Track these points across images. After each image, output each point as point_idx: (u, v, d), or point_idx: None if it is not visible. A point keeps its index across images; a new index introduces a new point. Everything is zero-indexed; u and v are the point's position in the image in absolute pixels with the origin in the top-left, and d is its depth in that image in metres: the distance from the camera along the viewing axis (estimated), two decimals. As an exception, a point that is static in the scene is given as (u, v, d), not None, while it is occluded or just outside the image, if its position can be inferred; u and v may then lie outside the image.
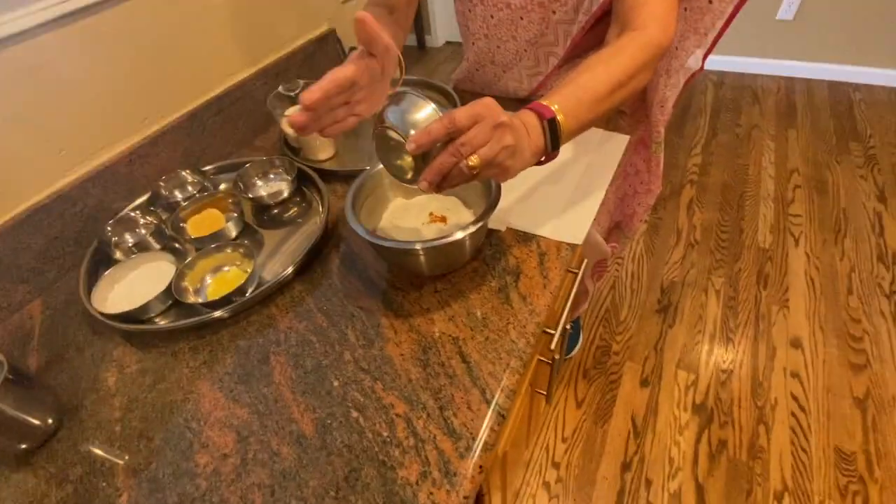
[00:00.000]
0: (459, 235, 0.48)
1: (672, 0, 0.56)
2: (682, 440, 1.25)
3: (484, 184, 0.57)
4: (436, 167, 0.42)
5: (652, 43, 0.53)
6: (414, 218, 0.60)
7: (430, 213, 0.60)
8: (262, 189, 0.73)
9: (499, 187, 0.52)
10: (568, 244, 0.58)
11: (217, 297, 0.53)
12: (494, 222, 0.62)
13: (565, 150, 0.63)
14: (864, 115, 2.13)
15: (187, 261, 0.58)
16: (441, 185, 0.43)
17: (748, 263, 1.63)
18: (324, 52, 0.96)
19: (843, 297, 1.49)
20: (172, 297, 0.56)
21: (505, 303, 0.53)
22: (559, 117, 0.47)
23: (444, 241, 0.48)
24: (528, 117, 0.47)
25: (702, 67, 0.72)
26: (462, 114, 0.41)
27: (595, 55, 0.54)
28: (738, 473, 1.17)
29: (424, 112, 0.43)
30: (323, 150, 0.78)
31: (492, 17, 0.73)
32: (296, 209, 0.71)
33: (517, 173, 0.45)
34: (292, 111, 0.78)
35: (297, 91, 0.80)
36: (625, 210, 1.06)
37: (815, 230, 1.69)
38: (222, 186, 0.76)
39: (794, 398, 1.29)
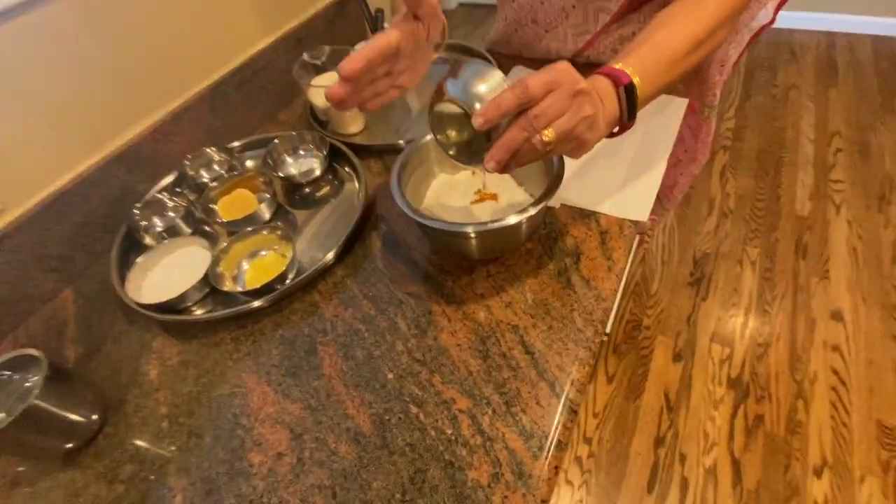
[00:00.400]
0: (514, 220, 0.43)
1: None
2: (717, 415, 1.23)
3: None
4: (505, 143, 0.37)
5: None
6: (461, 196, 0.56)
7: (479, 191, 0.55)
8: (293, 167, 0.69)
9: (562, 162, 0.47)
10: (631, 221, 0.54)
11: (258, 286, 0.50)
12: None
13: None
14: (913, 70, 1.99)
15: (222, 246, 0.55)
16: (510, 164, 0.38)
17: (786, 233, 1.56)
18: (346, 16, 0.90)
19: (888, 266, 1.42)
20: (210, 285, 0.53)
21: (566, 287, 0.49)
22: (635, 80, 0.42)
23: (500, 224, 0.43)
24: (600, 83, 0.42)
25: (773, 20, 0.65)
26: (536, 81, 0.36)
27: (668, 9, 0.47)
28: (775, 448, 1.15)
29: (491, 82, 0.38)
30: (353, 123, 0.73)
31: None
32: (328, 187, 0.67)
33: (592, 148, 0.40)
34: (320, 80, 0.73)
35: (322, 58, 0.74)
36: (665, 180, 1.00)
37: (859, 196, 1.61)
38: (250, 164, 0.72)
39: (835, 372, 1.25)
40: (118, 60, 0.61)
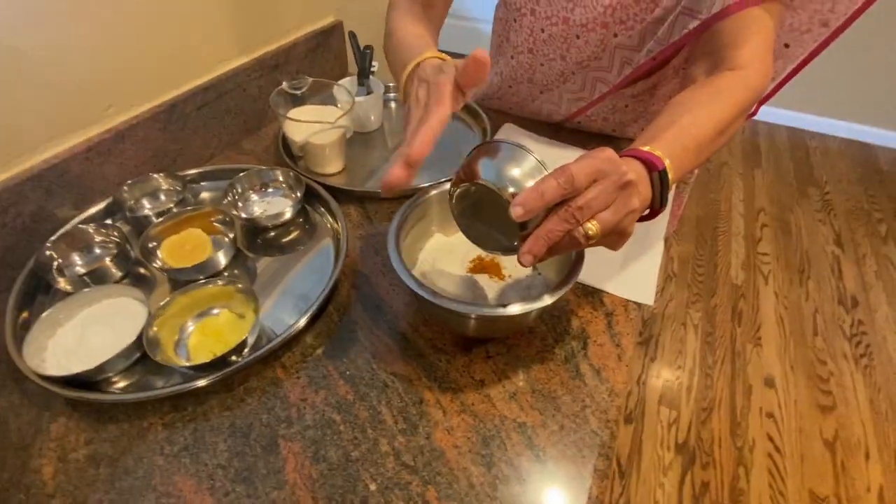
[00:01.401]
0: (526, 309, 0.38)
1: (772, 40, 0.50)
2: (666, 482, 1.22)
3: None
4: (544, 235, 0.33)
5: (752, 86, 0.47)
6: (459, 260, 0.50)
7: (479, 257, 0.50)
8: (259, 206, 0.60)
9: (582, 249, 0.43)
10: (636, 304, 0.50)
11: (207, 359, 0.40)
12: (547, 271, 0.53)
13: None
14: (819, 161, 2.27)
15: (163, 303, 0.44)
16: (545, 256, 0.34)
17: (723, 299, 1.66)
18: (328, 46, 0.84)
19: (810, 337, 1.55)
20: (140, 350, 0.42)
21: (576, 377, 0.44)
22: (667, 165, 0.39)
23: (515, 311, 0.38)
24: (635, 167, 0.38)
25: (755, 112, 0.68)
26: (581, 169, 0.33)
27: (690, 93, 0.46)
28: (721, 518, 1.16)
29: (526, 166, 0.34)
30: (331, 163, 0.66)
31: (542, 30, 0.65)
32: (298, 233, 0.59)
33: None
34: (301, 113, 0.65)
35: (303, 89, 0.67)
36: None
37: (783, 269, 1.76)
38: (205, 196, 0.61)
39: (770, 439, 1.30)
40: (55, 58, 0.50)
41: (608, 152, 0.34)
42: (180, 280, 0.49)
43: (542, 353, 0.46)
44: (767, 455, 1.27)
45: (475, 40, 2.89)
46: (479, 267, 0.49)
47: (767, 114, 2.50)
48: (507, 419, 0.41)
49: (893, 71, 2.15)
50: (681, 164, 0.41)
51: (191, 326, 0.46)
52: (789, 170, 2.23)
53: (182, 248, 0.51)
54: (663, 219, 0.61)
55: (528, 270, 0.49)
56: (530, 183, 0.35)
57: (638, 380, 1.43)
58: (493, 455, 0.38)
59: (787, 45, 0.58)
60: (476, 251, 0.51)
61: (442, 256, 0.50)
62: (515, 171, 0.35)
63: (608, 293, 0.51)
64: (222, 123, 0.69)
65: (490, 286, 0.47)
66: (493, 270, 0.48)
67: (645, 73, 0.63)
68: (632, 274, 0.53)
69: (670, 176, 0.39)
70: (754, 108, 0.66)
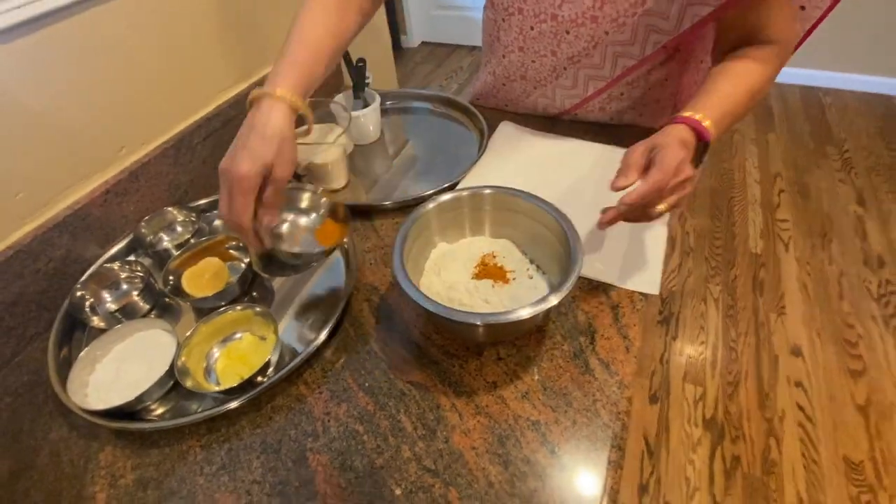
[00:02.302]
0: (532, 312, 0.40)
1: (793, 9, 0.56)
2: (696, 458, 1.22)
3: (542, 224, 0.49)
4: (623, 213, 0.44)
5: (782, 58, 0.55)
6: (462, 267, 0.51)
7: (482, 261, 0.51)
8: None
9: (579, 242, 0.44)
10: (642, 295, 0.51)
11: (235, 383, 0.43)
12: (551, 268, 0.54)
13: (609, 177, 0.58)
14: (836, 119, 2.20)
15: (188, 333, 0.47)
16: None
17: (743, 270, 1.64)
18: (323, 61, 0.85)
19: (836, 301, 1.51)
20: (173, 379, 0.45)
21: (585, 372, 0.45)
22: (712, 135, 0.48)
23: (517, 316, 0.39)
24: (687, 134, 0.47)
25: None
26: (648, 189, 0.42)
27: (730, 65, 0.53)
28: (754, 490, 1.16)
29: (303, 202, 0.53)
30: (336, 178, 0.68)
31: (532, 28, 0.65)
32: (309, 252, 0.61)
33: None
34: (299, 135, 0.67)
35: (301, 110, 0.69)
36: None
37: (803, 235, 1.72)
38: (218, 223, 0.64)
39: (801, 408, 1.29)
40: (67, 108, 0.53)
41: (667, 167, 0.43)
42: (203, 308, 0.51)
43: (552, 351, 0.47)
44: (798, 424, 1.26)
45: (466, 29, 2.87)
46: (483, 273, 0.50)
47: (780, 74, 2.42)
48: (521, 418, 0.42)
49: (909, 16, 2.05)
50: (720, 129, 0.49)
51: (216, 352, 0.48)
52: (805, 130, 2.16)
53: (202, 277, 0.54)
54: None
55: (532, 273, 0.50)
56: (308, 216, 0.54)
57: (661, 358, 1.43)
58: (510, 454, 0.40)
59: (802, 7, 0.57)
60: (478, 252, 0.53)
61: (447, 264, 0.51)
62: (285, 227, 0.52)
63: (613, 286, 0.52)
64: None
65: (496, 290, 0.48)
66: (498, 275, 0.50)
67: (649, 61, 0.63)
68: (636, 264, 0.54)
69: (712, 142, 0.48)
70: None
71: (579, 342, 0.48)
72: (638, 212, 0.44)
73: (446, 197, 0.51)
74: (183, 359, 0.46)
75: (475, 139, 0.76)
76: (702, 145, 0.48)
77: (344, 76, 0.87)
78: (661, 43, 0.59)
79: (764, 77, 0.53)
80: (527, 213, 0.50)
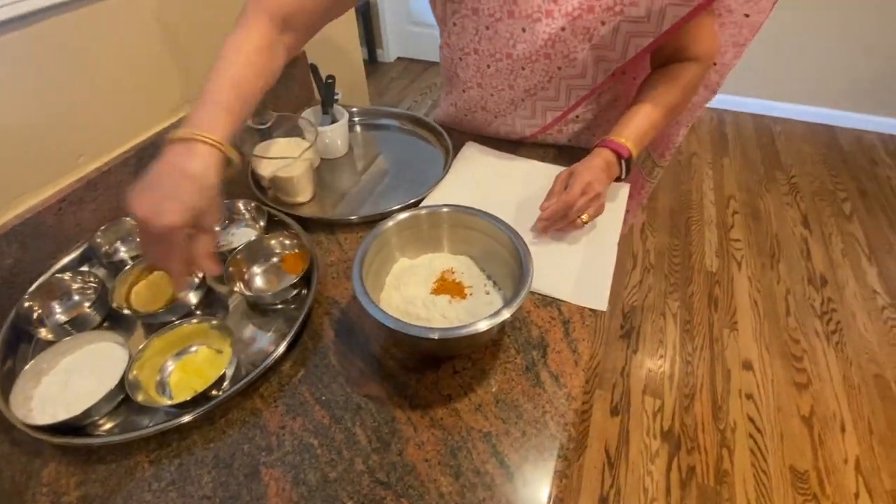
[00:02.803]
0: (486, 326, 0.41)
1: (714, 27, 0.63)
2: (654, 469, 1.26)
3: (497, 242, 0.52)
4: (552, 226, 0.60)
5: (701, 74, 0.65)
6: (422, 282, 0.53)
7: (441, 277, 0.53)
8: (223, 239, 0.62)
9: (529, 256, 0.47)
10: (591, 310, 0.54)
11: (189, 396, 0.43)
12: (508, 284, 0.56)
13: None
14: (784, 147, 2.35)
15: (141, 346, 0.46)
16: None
17: (699, 286, 1.71)
18: (292, 76, 0.86)
19: (783, 318, 1.60)
20: (123, 393, 0.45)
21: (536, 385, 0.47)
22: (634, 152, 0.62)
23: (471, 330, 0.41)
24: (609, 156, 0.62)
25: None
26: (557, 208, 0.58)
27: (653, 80, 0.65)
28: (707, 499, 1.20)
29: None
30: (301, 192, 0.69)
31: (488, 66, 0.69)
32: (271, 264, 0.61)
33: None
34: (264, 149, 0.68)
35: (268, 123, 0.70)
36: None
37: (754, 254, 1.82)
38: (177, 236, 0.64)
39: (751, 420, 1.35)
40: (21, 113, 0.52)
41: (578, 188, 0.57)
42: (155, 322, 0.51)
43: (505, 364, 0.49)
44: (749, 435, 1.32)
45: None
46: (441, 288, 0.52)
47: (733, 103, 2.58)
48: (474, 430, 0.44)
49: (849, 54, 2.23)
50: (641, 143, 0.63)
51: (170, 366, 0.48)
52: (756, 156, 2.30)
53: (153, 290, 0.53)
54: (616, 227, 0.65)
55: (489, 289, 0.52)
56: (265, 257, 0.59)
57: (622, 371, 1.47)
58: (461, 465, 0.41)
59: (747, 15, 0.62)
60: (437, 268, 0.54)
61: (407, 279, 0.53)
62: None
63: (565, 302, 0.55)
64: (192, 161, 0.71)
65: (453, 305, 0.50)
66: (456, 290, 0.51)
67: (599, 89, 0.67)
68: (587, 281, 0.57)
69: (633, 156, 0.62)
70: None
71: (532, 356, 0.50)
72: (561, 223, 0.59)
73: (404, 215, 0.53)
74: (134, 372, 0.45)
75: (441, 157, 0.78)
76: (626, 161, 0.62)
77: (315, 92, 0.88)
78: (610, 70, 0.64)
79: (683, 93, 0.64)
80: (484, 231, 0.53)
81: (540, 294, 0.56)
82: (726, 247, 1.85)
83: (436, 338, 0.42)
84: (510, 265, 0.50)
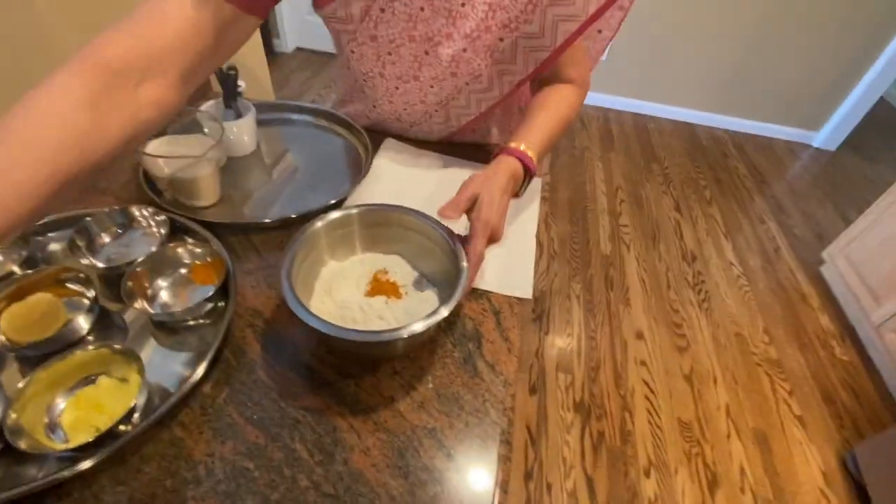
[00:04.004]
0: (423, 326, 0.41)
1: (589, 57, 0.69)
2: (570, 438, 1.38)
3: (429, 239, 0.52)
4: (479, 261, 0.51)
5: (582, 95, 0.69)
6: (354, 285, 0.52)
7: (375, 278, 0.52)
8: (116, 251, 0.54)
9: (462, 256, 0.48)
10: (518, 299, 0.57)
11: (91, 437, 0.37)
12: (439, 280, 0.57)
13: None
14: (658, 141, 2.68)
15: (21, 383, 0.39)
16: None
17: (597, 269, 1.89)
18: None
19: (665, 291, 1.84)
20: (2, 441, 0.37)
21: (475, 376, 0.49)
22: (535, 165, 0.60)
23: (412, 331, 0.41)
24: (517, 168, 0.58)
25: None
26: (489, 220, 0.52)
27: (544, 99, 0.66)
28: (615, 459, 1.34)
29: None
30: (206, 195, 0.62)
31: (396, 88, 0.68)
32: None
33: None
34: (157, 146, 0.60)
35: (160, 119, 0.62)
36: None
37: (640, 237, 2.06)
38: (55, 249, 0.54)
39: (646, 383, 1.54)
40: None
41: (486, 215, 0.52)
42: (35, 356, 0.43)
43: (444, 359, 0.50)
44: (645, 397, 1.49)
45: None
46: (376, 289, 0.51)
47: (616, 103, 2.87)
48: (419, 428, 0.44)
49: (704, 64, 2.61)
50: (541, 156, 0.62)
51: (61, 404, 0.41)
52: (637, 150, 2.59)
53: (28, 318, 0.45)
54: (533, 218, 0.69)
55: (424, 287, 0.53)
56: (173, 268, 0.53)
57: (537, 353, 1.57)
58: (409, 464, 0.41)
59: (600, 31, 0.69)
60: (369, 269, 0.53)
61: (338, 283, 0.51)
62: None
63: (494, 293, 0.57)
64: (64, 162, 0.61)
65: (389, 306, 0.49)
66: (391, 291, 0.51)
67: (509, 100, 0.70)
68: (511, 272, 0.60)
69: (533, 171, 0.60)
70: None
71: (468, 348, 0.51)
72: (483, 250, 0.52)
73: (336, 214, 0.51)
74: (13, 416, 0.38)
75: (358, 154, 0.76)
76: (528, 175, 0.60)
77: (213, 84, 0.80)
78: (514, 83, 0.67)
79: (572, 111, 0.67)
80: (415, 229, 0.53)
81: (472, 288, 0.57)
82: (617, 232, 2.07)
83: (377, 341, 0.42)
84: (442, 261, 0.51)
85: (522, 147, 0.59)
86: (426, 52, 0.63)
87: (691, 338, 1.68)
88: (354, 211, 0.53)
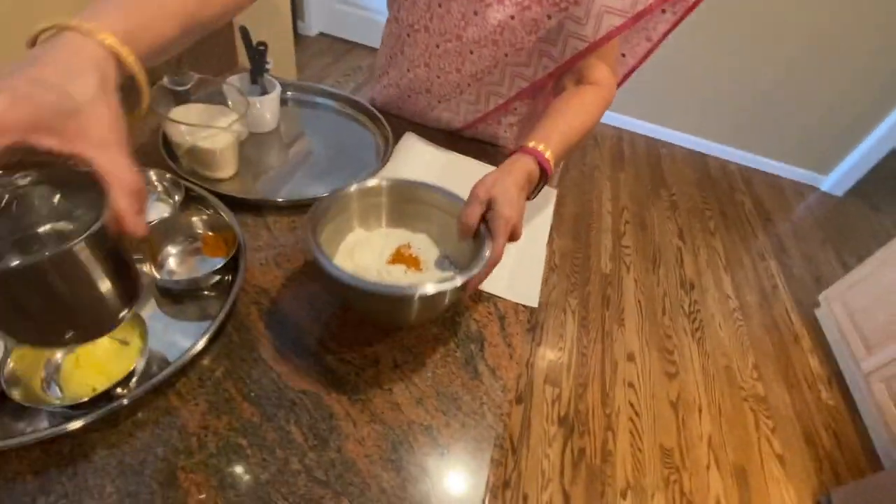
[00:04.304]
0: (444, 287, 0.41)
1: (617, 58, 0.67)
2: (550, 452, 1.38)
3: (451, 217, 0.52)
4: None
5: (606, 99, 0.65)
6: (377, 255, 0.52)
7: (398, 251, 0.53)
8: (136, 216, 0.54)
9: (489, 240, 0.48)
10: (523, 306, 0.57)
11: (87, 396, 0.36)
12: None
13: None
14: (668, 167, 2.69)
15: (24, 333, 0.39)
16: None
17: (595, 287, 1.90)
18: (219, 35, 0.77)
19: (660, 316, 1.84)
20: (-3, 391, 0.37)
21: (475, 378, 0.48)
22: (551, 169, 0.55)
23: (438, 288, 0.41)
24: (532, 168, 0.53)
25: None
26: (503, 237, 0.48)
27: (565, 102, 0.62)
28: (594, 477, 1.34)
29: None
30: (224, 167, 0.62)
31: (437, 46, 0.68)
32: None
33: None
34: (182, 113, 0.60)
35: (187, 85, 0.62)
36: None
37: (640, 260, 2.06)
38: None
39: (631, 405, 1.54)
40: None
41: (506, 216, 0.48)
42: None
43: (446, 357, 0.50)
44: (629, 419, 1.50)
45: (368, 29, 2.84)
46: (398, 259, 0.52)
47: (632, 125, 2.88)
48: (415, 423, 0.44)
49: (726, 96, 2.62)
50: (558, 160, 0.57)
51: (60, 359, 0.40)
52: (646, 174, 2.60)
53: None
54: (545, 228, 0.69)
55: (447, 269, 0.53)
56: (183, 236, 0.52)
57: (527, 363, 1.57)
58: (402, 459, 0.41)
59: (623, 55, 0.69)
60: (394, 243, 0.54)
61: (361, 249, 0.52)
62: None
63: (500, 298, 0.57)
64: (84, 118, 0.61)
65: (408, 276, 0.50)
66: (412, 263, 0.51)
67: (540, 86, 0.70)
68: (520, 279, 0.60)
69: (550, 174, 0.55)
70: None
71: (470, 349, 0.51)
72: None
73: (370, 182, 0.52)
74: (11, 364, 0.37)
75: (378, 145, 0.76)
76: (542, 178, 0.55)
77: (241, 55, 0.80)
78: (549, 69, 0.67)
79: (592, 119, 0.63)
80: (443, 209, 0.53)
81: (479, 290, 0.57)
82: (618, 252, 2.07)
83: (390, 294, 0.41)
84: (468, 247, 0.51)
85: (541, 147, 0.55)
86: (475, 13, 0.63)
87: (681, 365, 1.68)
88: (386, 182, 0.53)
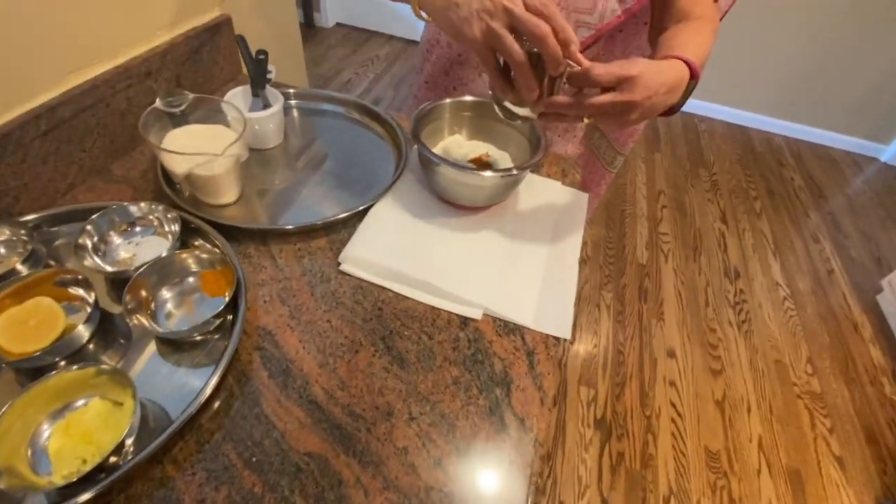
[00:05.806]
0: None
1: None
2: (587, 457, 1.32)
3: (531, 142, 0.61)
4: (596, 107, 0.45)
5: (715, 29, 0.60)
6: (462, 155, 0.63)
7: (479, 158, 0.63)
8: (125, 251, 0.51)
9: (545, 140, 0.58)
10: (555, 338, 0.51)
11: (77, 475, 0.33)
12: (468, 308, 0.51)
13: (525, 207, 0.65)
14: (708, 144, 2.51)
15: (5, 407, 0.36)
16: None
17: (631, 279, 1.80)
18: (214, 46, 0.72)
19: (703, 308, 1.73)
20: (-22, 473, 0.34)
21: (501, 430, 0.43)
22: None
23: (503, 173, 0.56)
24: (684, 73, 0.48)
25: None
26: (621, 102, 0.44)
27: (678, 31, 0.57)
28: (634, 483, 1.28)
29: None
30: (225, 193, 0.58)
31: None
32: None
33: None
34: (176, 141, 0.56)
35: (182, 106, 0.57)
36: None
37: (679, 247, 1.94)
38: (61, 244, 0.51)
39: (673, 405, 1.45)
40: None
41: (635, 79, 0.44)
42: (29, 369, 0.40)
43: (467, 407, 0.44)
44: (671, 420, 1.42)
45: (385, 17, 2.75)
46: (477, 161, 0.63)
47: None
48: (433, 489, 0.39)
49: (771, 63, 2.41)
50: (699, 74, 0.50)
51: (46, 431, 0.37)
52: (684, 153, 2.44)
53: (24, 325, 0.41)
54: (576, 244, 0.62)
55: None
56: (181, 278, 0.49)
57: (560, 363, 1.51)
58: (420, 535, 0.36)
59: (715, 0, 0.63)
60: (478, 151, 0.64)
61: (452, 150, 0.64)
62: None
63: (528, 329, 0.51)
64: (82, 147, 0.57)
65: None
66: (487, 167, 0.61)
67: (613, 28, 0.64)
68: (550, 307, 0.53)
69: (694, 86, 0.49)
70: None
71: (495, 395, 0.45)
72: (569, 112, 0.47)
73: (466, 98, 0.65)
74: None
75: (391, 153, 0.70)
76: (692, 84, 0.49)
77: (244, 65, 0.75)
78: (616, 12, 0.61)
79: (710, 43, 0.57)
80: (523, 133, 0.63)
81: (502, 320, 0.51)
82: (655, 240, 1.95)
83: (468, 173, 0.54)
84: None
85: (690, 55, 0.48)
86: None
87: (727, 361, 1.58)
88: (469, 99, 0.65)
